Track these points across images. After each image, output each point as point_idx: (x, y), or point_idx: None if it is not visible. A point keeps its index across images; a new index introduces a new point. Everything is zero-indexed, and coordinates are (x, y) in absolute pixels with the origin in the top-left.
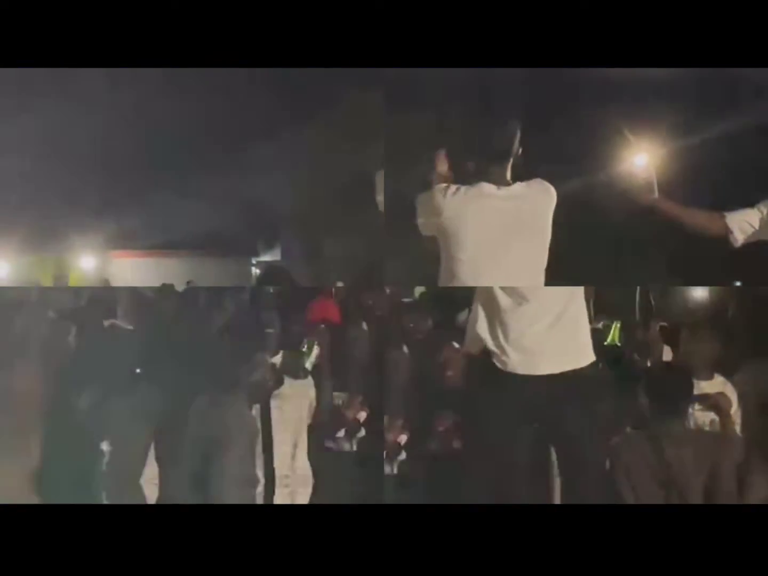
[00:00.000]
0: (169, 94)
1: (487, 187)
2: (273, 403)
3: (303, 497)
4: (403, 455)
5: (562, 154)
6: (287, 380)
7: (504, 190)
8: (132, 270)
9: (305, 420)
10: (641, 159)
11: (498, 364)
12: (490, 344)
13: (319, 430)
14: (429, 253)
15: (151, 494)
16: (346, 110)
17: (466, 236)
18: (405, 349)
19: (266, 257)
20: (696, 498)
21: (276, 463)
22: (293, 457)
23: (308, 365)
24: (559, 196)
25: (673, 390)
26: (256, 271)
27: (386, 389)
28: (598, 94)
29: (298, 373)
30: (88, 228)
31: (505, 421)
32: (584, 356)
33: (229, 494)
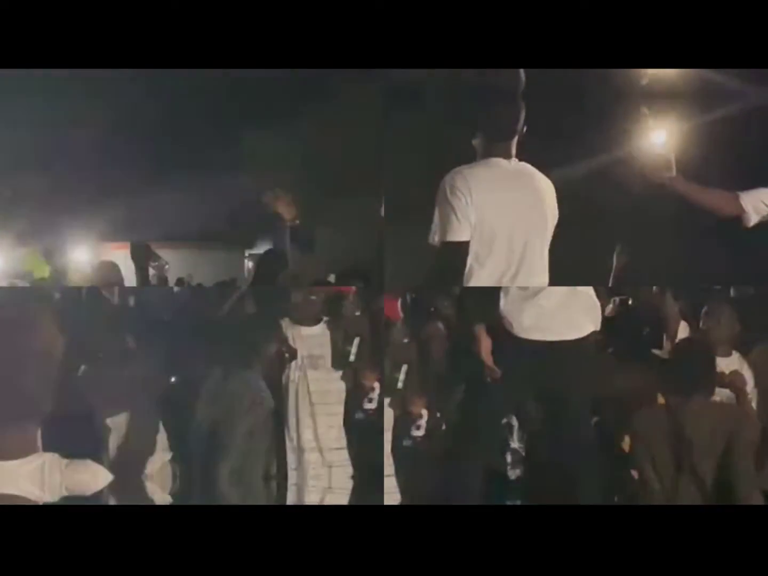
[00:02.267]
0: (164, 93)
1: (495, 160)
2: (290, 378)
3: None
4: (422, 430)
5: (577, 132)
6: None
7: (513, 162)
8: (126, 261)
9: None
10: (659, 137)
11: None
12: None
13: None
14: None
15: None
16: (344, 104)
17: (477, 200)
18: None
19: (259, 250)
20: (710, 475)
21: (292, 434)
22: (314, 429)
23: (352, 357)
24: (572, 174)
25: (695, 366)
26: (249, 263)
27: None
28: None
29: (342, 362)
30: (84, 220)
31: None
32: (589, 324)
33: (241, 468)
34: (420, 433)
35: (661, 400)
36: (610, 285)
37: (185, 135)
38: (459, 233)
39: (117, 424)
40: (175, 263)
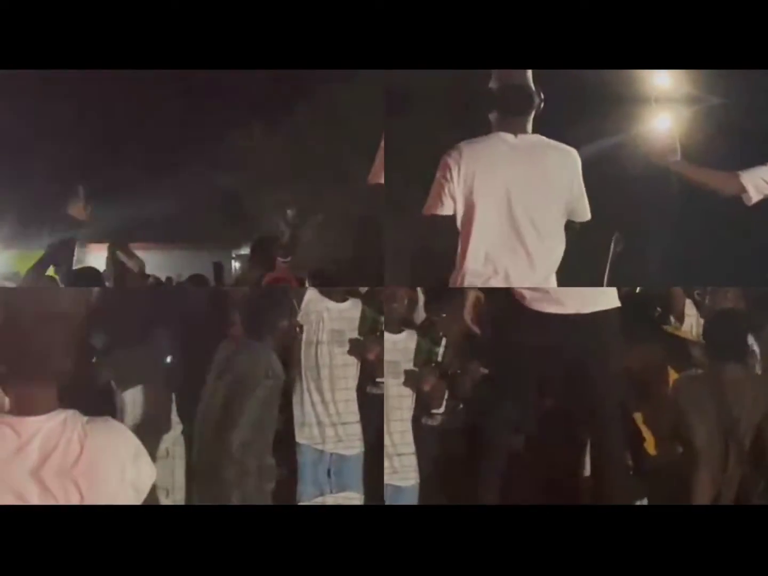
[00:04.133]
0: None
1: (501, 135)
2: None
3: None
4: (442, 408)
5: (585, 114)
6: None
7: (521, 138)
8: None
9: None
10: (664, 121)
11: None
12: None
13: None
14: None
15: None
16: (331, 102)
17: (479, 182)
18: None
19: (245, 250)
20: (747, 441)
21: (306, 409)
22: (324, 402)
23: (440, 358)
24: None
25: (731, 336)
26: (236, 264)
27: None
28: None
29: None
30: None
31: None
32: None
33: (253, 439)
34: (440, 411)
35: (672, 374)
36: (607, 272)
37: (172, 136)
38: (441, 207)
39: (133, 397)
40: (165, 264)
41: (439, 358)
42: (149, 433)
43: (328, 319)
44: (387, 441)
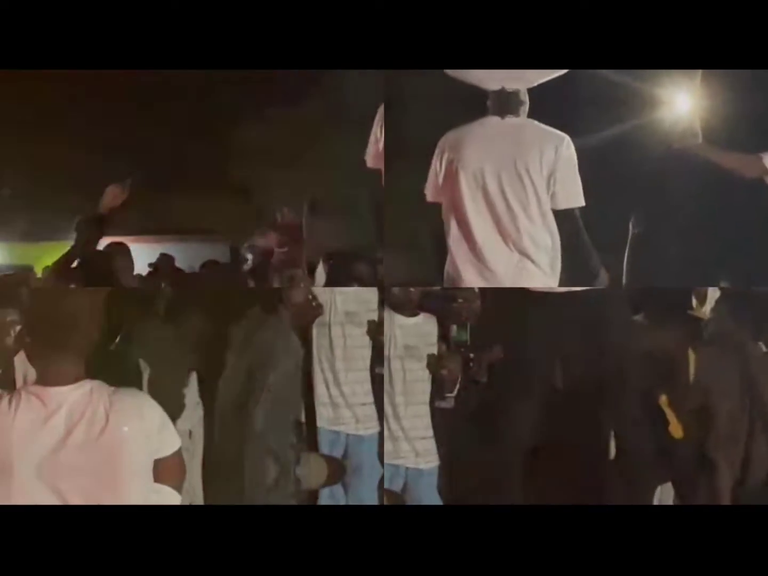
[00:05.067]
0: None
1: (489, 119)
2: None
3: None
4: (455, 392)
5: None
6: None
7: (507, 120)
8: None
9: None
10: (685, 103)
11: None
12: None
13: None
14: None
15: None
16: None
17: (459, 166)
18: None
19: (260, 242)
20: None
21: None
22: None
23: (467, 337)
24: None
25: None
26: (248, 255)
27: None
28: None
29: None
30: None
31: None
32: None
33: (275, 415)
34: (453, 394)
35: (692, 354)
36: (626, 255)
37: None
38: (434, 194)
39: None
40: (180, 254)
41: (468, 342)
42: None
43: (341, 301)
44: (406, 424)
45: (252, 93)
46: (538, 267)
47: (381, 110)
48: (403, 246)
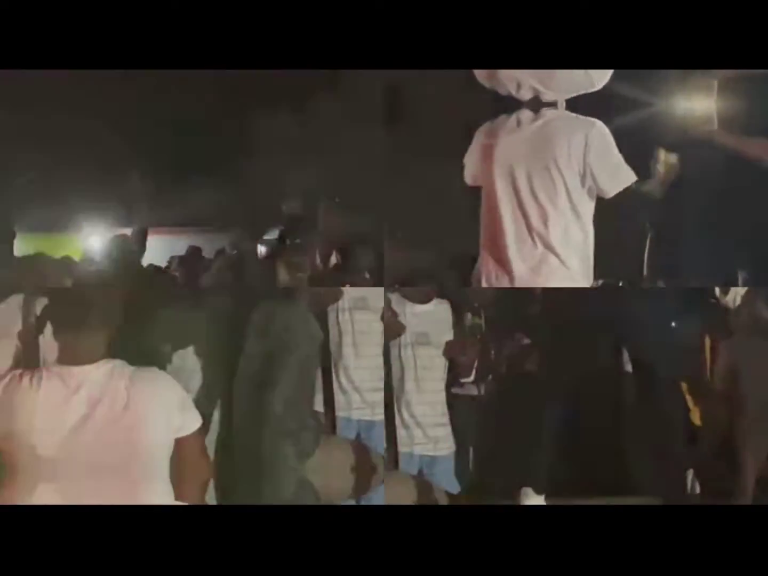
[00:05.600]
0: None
1: (523, 111)
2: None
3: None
4: (471, 377)
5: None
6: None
7: (544, 111)
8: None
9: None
10: (701, 90)
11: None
12: None
13: None
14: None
15: None
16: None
17: (498, 153)
18: None
19: (271, 235)
20: None
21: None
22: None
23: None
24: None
25: None
26: (261, 248)
27: None
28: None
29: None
30: (102, 207)
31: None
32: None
33: (295, 398)
34: (469, 380)
35: (714, 343)
36: (647, 245)
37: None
38: (469, 177)
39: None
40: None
41: (483, 329)
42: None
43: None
44: (420, 411)
45: (268, 89)
46: (562, 263)
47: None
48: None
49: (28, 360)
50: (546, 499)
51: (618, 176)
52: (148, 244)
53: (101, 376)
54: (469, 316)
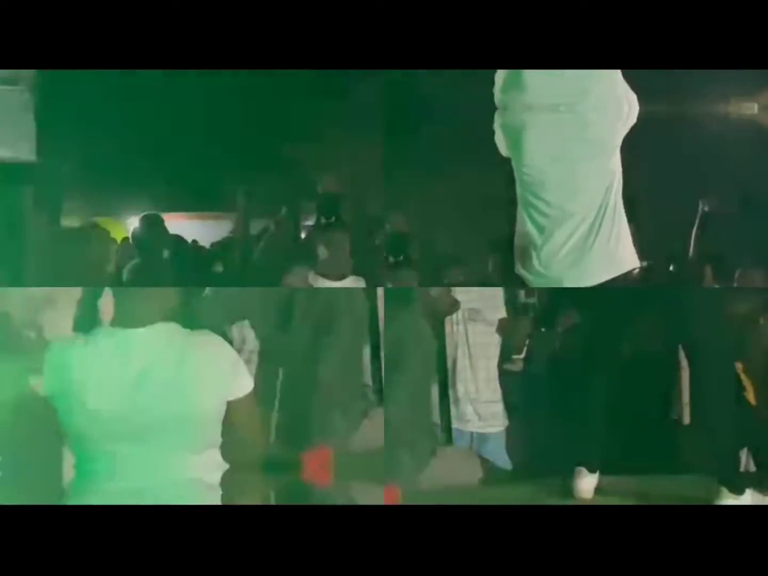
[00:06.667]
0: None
1: None
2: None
3: None
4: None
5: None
6: None
7: None
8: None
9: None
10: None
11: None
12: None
13: None
14: None
15: None
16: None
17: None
18: None
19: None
20: None
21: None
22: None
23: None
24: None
25: None
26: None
27: None
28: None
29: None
30: (139, 192)
31: None
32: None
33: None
34: (522, 356)
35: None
36: (695, 232)
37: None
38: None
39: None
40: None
41: (536, 306)
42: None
43: None
44: (473, 388)
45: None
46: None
47: None
48: None
49: (86, 324)
50: (599, 477)
51: None
52: (190, 228)
53: (156, 338)
54: (521, 293)
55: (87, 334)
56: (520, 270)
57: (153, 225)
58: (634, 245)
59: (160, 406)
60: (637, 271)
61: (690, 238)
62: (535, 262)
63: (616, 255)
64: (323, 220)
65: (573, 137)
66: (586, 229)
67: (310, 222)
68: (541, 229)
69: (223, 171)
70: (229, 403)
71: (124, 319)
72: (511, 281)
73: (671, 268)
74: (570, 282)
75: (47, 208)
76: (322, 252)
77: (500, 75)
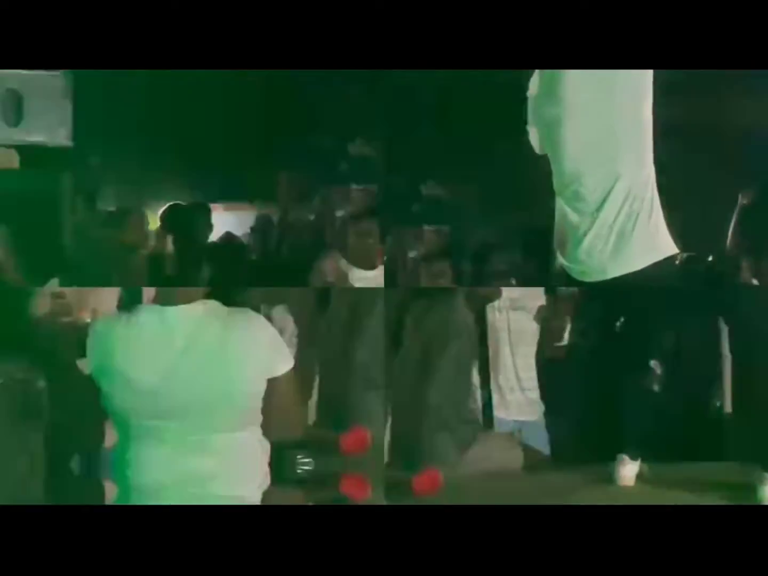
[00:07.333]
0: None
1: None
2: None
3: None
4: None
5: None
6: None
7: None
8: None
9: None
10: None
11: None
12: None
13: None
14: None
15: None
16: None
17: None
18: None
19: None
20: None
21: None
22: None
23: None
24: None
25: None
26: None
27: None
28: None
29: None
30: (168, 183)
31: None
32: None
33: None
34: (562, 344)
35: None
36: (732, 227)
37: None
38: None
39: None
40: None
41: (576, 293)
42: None
43: None
44: (513, 375)
45: None
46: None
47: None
48: None
49: (129, 303)
50: (641, 464)
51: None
52: (222, 219)
53: (197, 315)
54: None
55: (129, 312)
56: (561, 260)
57: (200, 214)
58: (673, 236)
59: (202, 382)
60: (677, 258)
61: (728, 231)
62: (576, 251)
63: (656, 241)
64: (354, 210)
65: (608, 128)
66: (624, 217)
67: (342, 212)
68: (582, 217)
69: (254, 163)
70: (270, 381)
71: (166, 296)
72: (550, 275)
73: (710, 259)
74: (613, 269)
75: (83, 193)
76: (353, 241)
77: (535, 75)
